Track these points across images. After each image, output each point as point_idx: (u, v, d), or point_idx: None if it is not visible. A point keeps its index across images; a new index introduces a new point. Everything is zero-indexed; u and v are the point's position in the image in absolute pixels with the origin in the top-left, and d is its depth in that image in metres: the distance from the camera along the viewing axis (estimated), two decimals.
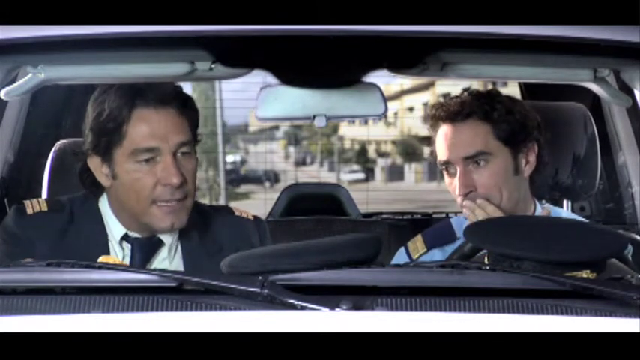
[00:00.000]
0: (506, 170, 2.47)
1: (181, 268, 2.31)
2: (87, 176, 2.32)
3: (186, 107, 2.28)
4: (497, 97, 2.51)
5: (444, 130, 2.49)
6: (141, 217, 2.27)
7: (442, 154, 2.49)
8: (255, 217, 2.46)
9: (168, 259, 2.33)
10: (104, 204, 2.34)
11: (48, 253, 2.23)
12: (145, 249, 2.31)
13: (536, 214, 2.53)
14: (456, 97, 2.52)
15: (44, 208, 2.33)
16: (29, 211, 2.31)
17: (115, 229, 2.32)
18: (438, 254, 2.51)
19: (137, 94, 2.21)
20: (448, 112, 2.48)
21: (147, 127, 2.23)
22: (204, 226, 2.36)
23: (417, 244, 2.56)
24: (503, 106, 2.48)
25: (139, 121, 2.22)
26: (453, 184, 2.49)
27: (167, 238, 2.32)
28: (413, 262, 2.47)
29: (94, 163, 2.29)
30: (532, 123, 2.50)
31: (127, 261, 2.30)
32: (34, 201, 2.35)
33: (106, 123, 2.23)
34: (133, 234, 2.31)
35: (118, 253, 2.31)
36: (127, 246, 2.31)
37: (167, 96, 2.24)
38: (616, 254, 1.97)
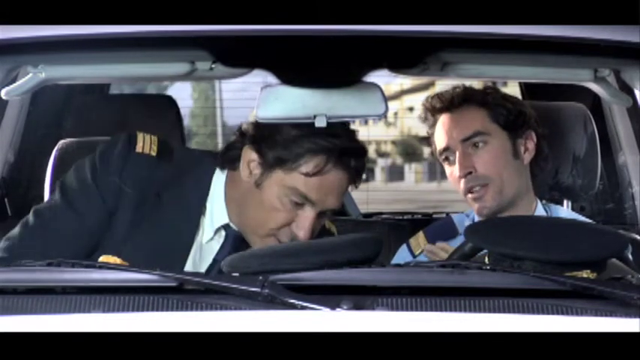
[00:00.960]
0: (505, 152, 2.49)
1: None
2: (233, 153, 2.26)
3: (354, 176, 2.27)
4: (492, 86, 2.57)
5: (441, 121, 2.52)
6: (252, 236, 2.24)
7: (440, 142, 2.52)
8: None
9: None
10: (220, 180, 2.28)
11: (132, 203, 2.20)
12: (237, 243, 2.27)
13: (537, 212, 2.53)
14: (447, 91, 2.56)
15: (153, 152, 2.25)
16: (138, 148, 2.25)
17: (217, 212, 2.26)
18: None
19: (334, 147, 2.17)
20: (443, 100, 2.52)
21: (320, 179, 2.19)
22: None
23: (418, 240, 2.57)
24: (497, 93, 2.52)
25: (317, 168, 2.18)
26: (453, 173, 2.50)
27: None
28: (414, 260, 2.49)
29: (249, 155, 2.23)
30: (527, 112, 2.53)
31: (214, 247, 2.27)
32: (149, 137, 2.27)
33: (292, 147, 2.19)
34: (233, 226, 2.27)
35: (206, 234, 2.26)
36: (222, 234, 2.27)
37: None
38: (616, 254, 1.97)
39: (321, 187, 2.20)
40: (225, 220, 2.27)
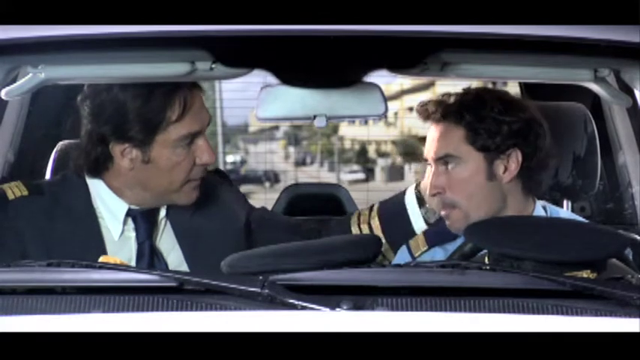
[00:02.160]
0: (477, 175, 2.44)
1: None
2: (97, 158, 2.33)
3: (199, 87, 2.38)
4: (481, 100, 2.45)
5: (429, 129, 2.51)
6: (169, 194, 2.34)
7: (425, 152, 2.52)
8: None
9: (165, 219, 2.40)
10: (97, 184, 2.36)
11: (36, 238, 2.28)
12: (146, 217, 2.37)
13: (535, 213, 2.52)
14: (445, 96, 2.51)
15: (24, 192, 2.35)
16: (10, 196, 2.34)
17: (114, 206, 2.35)
18: (439, 252, 2.52)
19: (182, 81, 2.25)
20: (427, 112, 2.49)
21: (192, 112, 2.30)
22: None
23: (418, 241, 2.56)
24: (482, 110, 2.43)
25: (181, 105, 2.28)
26: None
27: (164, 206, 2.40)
28: (414, 261, 2.48)
29: (119, 148, 2.30)
30: (516, 130, 2.42)
31: (130, 234, 2.35)
32: (12, 184, 2.37)
33: (151, 111, 2.26)
34: (134, 207, 2.36)
35: (113, 230, 2.34)
36: (129, 221, 2.35)
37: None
38: (616, 254, 1.97)
39: (194, 116, 2.30)
40: (125, 208, 2.35)
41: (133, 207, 2.35)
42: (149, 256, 2.34)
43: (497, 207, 2.46)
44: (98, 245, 2.31)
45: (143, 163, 2.30)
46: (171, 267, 2.37)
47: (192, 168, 2.32)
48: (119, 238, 2.34)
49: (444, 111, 2.46)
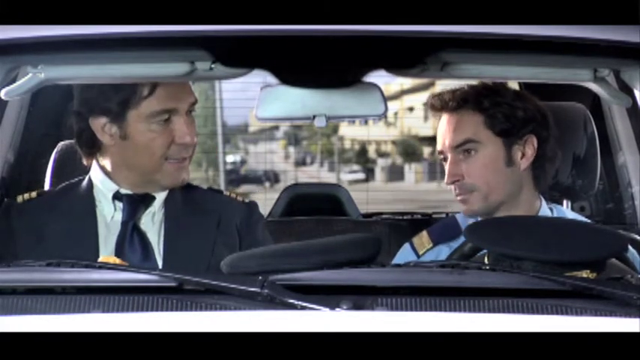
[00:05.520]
0: (496, 160, 2.47)
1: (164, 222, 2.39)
2: (85, 136, 2.37)
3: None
4: (495, 88, 2.51)
5: (441, 121, 2.53)
6: (151, 174, 2.34)
7: (439, 144, 2.53)
8: (250, 201, 2.51)
9: (157, 213, 2.39)
10: (95, 170, 2.39)
11: (35, 232, 2.31)
12: (135, 201, 2.37)
13: (542, 211, 2.52)
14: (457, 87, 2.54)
15: (33, 195, 2.41)
16: (19, 199, 2.39)
17: (104, 188, 2.37)
18: (444, 250, 2.52)
19: None
20: (442, 101, 2.52)
21: (165, 88, 2.29)
22: (192, 193, 2.46)
23: (422, 239, 2.57)
24: (498, 97, 2.48)
25: (152, 83, 2.27)
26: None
27: (160, 195, 2.39)
28: (417, 260, 2.49)
29: (98, 124, 2.32)
30: (531, 116, 2.49)
31: (117, 217, 2.36)
32: (27, 194, 2.42)
33: (121, 85, 2.27)
34: (124, 191, 2.37)
35: (106, 212, 2.36)
36: (118, 204, 2.37)
37: None
38: (616, 254, 1.97)
39: (170, 93, 2.30)
40: (114, 189, 2.37)
41: (123, 190, 2.37)
42: (130, 236, 2.34)
43: (513, 195, 2.49)
44: (91, 228, 2.34)
45: (122, 139, 2.32)
46: (151, 251, 2.37)
47: (171, 146, 2.32)
48: (110, 221, 2.37)
49: (462, 98, 2.48)
